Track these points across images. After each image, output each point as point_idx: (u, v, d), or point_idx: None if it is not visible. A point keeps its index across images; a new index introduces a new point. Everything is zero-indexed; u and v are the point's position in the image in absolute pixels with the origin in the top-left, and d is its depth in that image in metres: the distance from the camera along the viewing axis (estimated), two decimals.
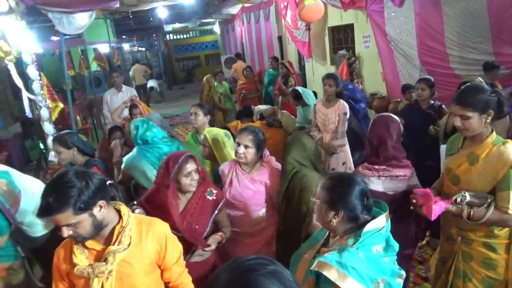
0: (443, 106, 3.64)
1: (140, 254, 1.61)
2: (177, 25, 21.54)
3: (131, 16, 18.83)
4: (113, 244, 1.54)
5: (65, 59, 6.02)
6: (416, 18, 5.04)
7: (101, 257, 1.54)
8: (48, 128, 5.02)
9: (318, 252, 1.59)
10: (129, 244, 1.57)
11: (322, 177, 1.89)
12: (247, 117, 4.22)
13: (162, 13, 15.51)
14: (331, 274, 1.33)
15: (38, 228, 2.50)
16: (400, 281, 1.44)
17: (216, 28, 18.90)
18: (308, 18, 6.56)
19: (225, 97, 7.39)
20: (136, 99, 4.74)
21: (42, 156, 6.12)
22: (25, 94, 4.91)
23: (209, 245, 2.17)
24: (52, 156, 4.91)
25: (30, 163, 7.66)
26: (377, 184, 2.31)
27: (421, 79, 3.79)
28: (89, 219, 1.46)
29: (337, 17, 7.42)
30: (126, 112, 4.61)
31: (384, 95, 6.24)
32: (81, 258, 1.53)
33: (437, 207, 1.98)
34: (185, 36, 22.16)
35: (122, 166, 3.15)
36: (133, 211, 1.96)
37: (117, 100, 5.30)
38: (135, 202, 2.32)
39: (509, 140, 1.98)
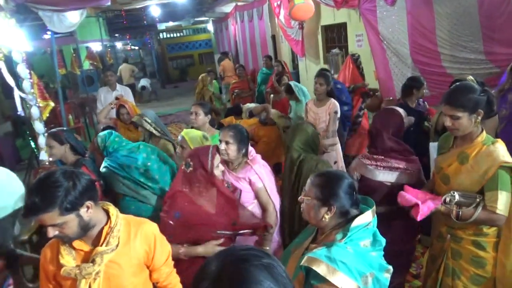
0: (425, 102, 3.89)
1: (128, 255, 1.59)
2: (171, 24, 21.42)
3: (124, 15, 18.65)
4: (101, 245, 1.53)
5: (56, 58, 5.98)
6: (408, 17, 5.05)
7: (88, 258, 1.52)
8: (39, 127, 4.97)
9: (307, 249, 1.59)
10: (117, 245, 1.55)
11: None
12: (236, 115, 4.21)
13: (155, 11, 15.38)
14: (320, 268, 1.33)
15: None
16: (388, 276, 1.45)
17: (210, 27, 18.82)
18: (299, 17, 6.52)
19: (215, 97, 7.39)
20: (122, 98, 4.65)
21: (33, 155, 6.08)
22: (17, 93, 4.85)
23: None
24: (43, 155, 4.87)
25: (21, 162, 7.59)
26: (374, 174, 2.33)
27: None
28: (75, 220, 1.44)
29: (330, 16, 7.44)
30: (113, 113, 4.53)
31: (377, 93, 6.25)
32: (68, 259, 1.51)
33: (425, 208, 1.99)
34: (178, 34, 22.05)
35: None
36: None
37: (111, 98, 5.22)
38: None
39: (498, 140, 1.99)
